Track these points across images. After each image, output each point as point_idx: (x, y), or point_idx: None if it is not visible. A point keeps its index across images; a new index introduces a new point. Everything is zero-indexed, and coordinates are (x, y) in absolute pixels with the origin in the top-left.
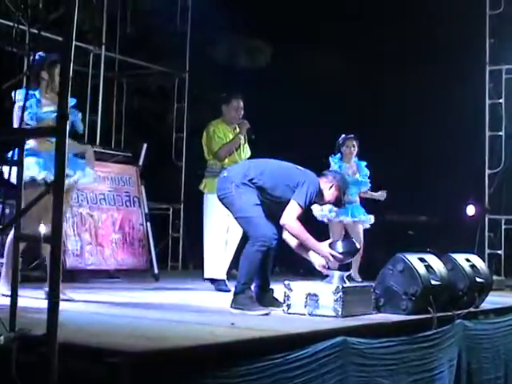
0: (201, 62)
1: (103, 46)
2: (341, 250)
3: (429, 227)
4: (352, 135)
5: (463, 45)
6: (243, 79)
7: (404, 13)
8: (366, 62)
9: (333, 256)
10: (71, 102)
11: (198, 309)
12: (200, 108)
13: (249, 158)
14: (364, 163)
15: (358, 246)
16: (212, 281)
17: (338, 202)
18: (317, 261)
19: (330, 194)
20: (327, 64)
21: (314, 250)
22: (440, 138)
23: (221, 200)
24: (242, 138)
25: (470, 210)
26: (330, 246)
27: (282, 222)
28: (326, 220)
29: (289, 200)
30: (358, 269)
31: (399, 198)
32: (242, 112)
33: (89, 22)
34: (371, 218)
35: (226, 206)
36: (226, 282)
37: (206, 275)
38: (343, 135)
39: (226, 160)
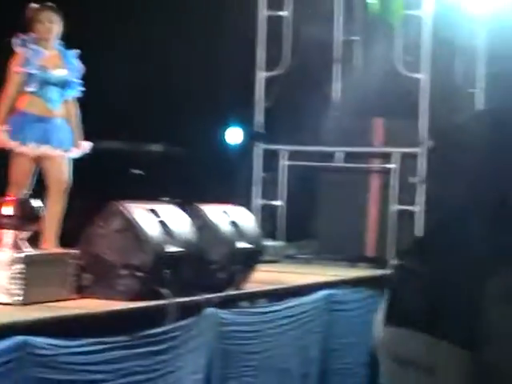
0: None
1: None
2: (11, 213)
3: (167, 162)
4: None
5: None
6: None
7: None
8: None
9: None
10: None
11: None
12: None
13: None
14: (74, 52)
15: (40, 212)
16: None
17: None
18: None
19: None
20: None
21: None
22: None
23: None
24: None
25: (233, 134)
26: None
27: None
28: None
29: None
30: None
31: (121, 115)
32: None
33: None
34: (85, 145)
35: None
36: None
37: None
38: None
39: None
